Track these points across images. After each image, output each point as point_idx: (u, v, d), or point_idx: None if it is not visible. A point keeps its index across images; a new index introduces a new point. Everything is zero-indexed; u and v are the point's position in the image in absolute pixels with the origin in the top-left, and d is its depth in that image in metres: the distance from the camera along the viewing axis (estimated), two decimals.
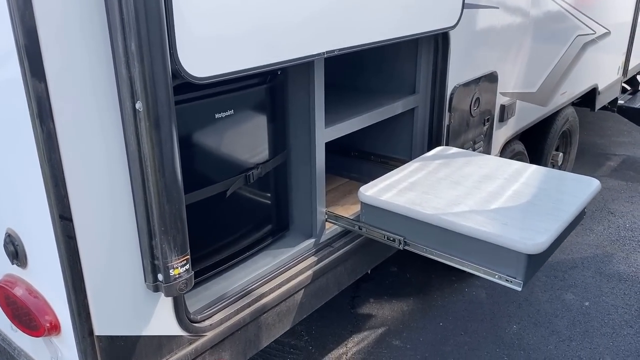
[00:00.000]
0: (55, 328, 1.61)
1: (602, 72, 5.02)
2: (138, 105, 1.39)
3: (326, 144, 2.36)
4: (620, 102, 5.70)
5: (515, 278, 1.95)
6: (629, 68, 5.62)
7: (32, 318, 1.62)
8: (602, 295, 3.66)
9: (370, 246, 2.61)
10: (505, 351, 3.20)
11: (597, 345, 3.21)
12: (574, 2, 3.97)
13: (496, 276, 2.00)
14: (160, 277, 1.58)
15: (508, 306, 3.59)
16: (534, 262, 1.97)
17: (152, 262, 1.58)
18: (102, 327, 1.58)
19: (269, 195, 2.35)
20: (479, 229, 1.99)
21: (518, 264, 1.93)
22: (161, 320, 1.73)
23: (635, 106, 5.69)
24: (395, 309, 3.62)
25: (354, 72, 3.14)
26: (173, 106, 1.44)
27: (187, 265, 1.59)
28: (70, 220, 1.43)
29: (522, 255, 1.91)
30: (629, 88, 6.25)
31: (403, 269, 4.02)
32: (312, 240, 2.40)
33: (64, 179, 1.39)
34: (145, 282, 1.63)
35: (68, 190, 1.40)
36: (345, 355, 3.23)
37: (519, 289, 1.95)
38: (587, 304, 3.59)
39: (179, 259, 1.55)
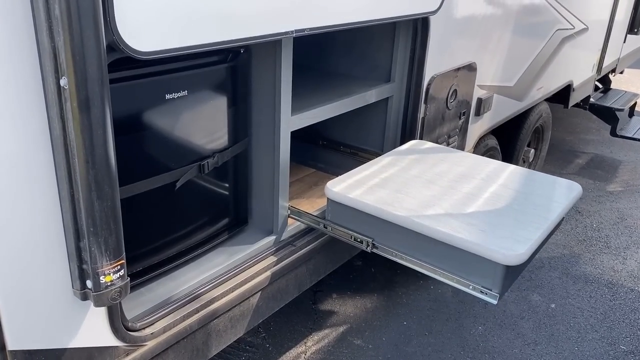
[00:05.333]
0: None
1: (578, 69, 4.93)
2: (63, 81, 1.15)
3: (292, 131, 2.15)
4: (592, 100, 5.65)
5: (490, 290, 1.79)
6: (603, 66, 5.56)
7: None
8: (569, 297, 3.58)
9: (335, 245, 2.42)
10: (469, 354, 3.09)
11: (562, 350, 3.12)
12: None
13: (470, 287, 1.84)
14: (89, 283, 1.35)
15: (474, 306, 3.47)
16: (512, 274, 1.81)
17: (79, 266, 1.35)
18: (16, 340, 1.34)
19: (226, 186, 2.12)
20: (455, 235, 1.82)
21: (495, 275, 1.77)
22: (92, 329, 1.51)
23: (607, 104, 5.64)
24: (358, 305, 3.46)
25: (326, 55, 2.92)
26: (107, 83, 1.20)
27: (122, 271, 1.36)
28: None
29: (500, 267, 1.75)
30: (600, 86, 6.21)
31: (368, 263, 3.86)
32: (272, 238, 2.20)
33: None
34: (73, 288, 1.40)
35: None
36: (304, 355, 3.06)
37: (495, 302, 1.79)
38: (553, 305, 3.51)
39: (111, 264, 1.32)
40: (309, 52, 2.95)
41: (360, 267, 3.84)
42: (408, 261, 1.96)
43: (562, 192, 2.16)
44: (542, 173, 2.36)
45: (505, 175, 2.29)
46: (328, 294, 3.56)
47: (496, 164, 2.41)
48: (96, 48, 1.15)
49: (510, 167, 2.38)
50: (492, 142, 3.88)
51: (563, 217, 2.19)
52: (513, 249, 1.75)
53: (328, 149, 2.98)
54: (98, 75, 1.17)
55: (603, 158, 5.98)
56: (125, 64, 1.54)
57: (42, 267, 1.35)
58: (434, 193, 2.10)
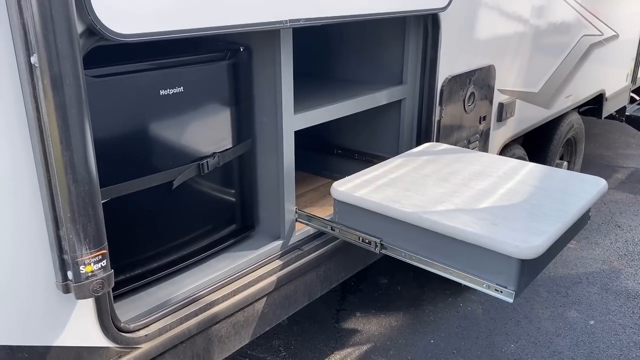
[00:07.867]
0: None
1: (610, 78, 4.74)
2: (34, 59, 1.13)
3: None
4: (628, 111, 5.42)
5: (506, 287, 1.66)
6: (639, 75, 5.34)
7: None
8: (609, 314, 3.35)
9: (347, 251, 2.32)
10: None
11: None
12: None
13: (484, 285, 1.70)
14: (70, 274, 1.30)
15: (506, 323, 3.28)
16: (529, 270, 1.67)
17: (60, 256, 1.30)
18: None
19: (231, 189, 2.07)
20: (464, 229, 1.70)
21: (510, 271, 1.64)
22: (79, 328, 1.45)
23: None
24: (383, 324, 3.32)
25: (337, 61, 2.88)
26: (79, 62, 1.17)
27: (104, 261, 1.31)
28: None
29: (514, 261, 1.62)
30: (637, 98, 5.96)
31: (393, 280, 3.72)
32: (279, 242, 2.12)
33: None
34: (55, 280, 1.35)
35: None
36: None
37: (510, 300, 1.65)
38: (592, 322, 3.28)
39: (91, 252, 1.27)
40: (321, 60, 2.92)
41: (386, 284, 3.70)
42: (418, 261, 1.85)
43: (585, 187, 2.02)
44: (564, 170, 2.23)
45: (523, 173, 2.16)
46: (351, 313, 3.43)
47: (514, 162, 2.29)
48: (66, 24, 1.13)
49: (530, 165, 2.25)
50: (520, 151, 3.73)
51: (589, 214, 2.05)
52: (528, 241, 1.62)
53: (343, 158, 2.91)
54: (70, 52, 1.14)
55: None
56: (118, 58, 1.54)
57: (26, 259, 1.31)
58: (445, 190, 1.99)
